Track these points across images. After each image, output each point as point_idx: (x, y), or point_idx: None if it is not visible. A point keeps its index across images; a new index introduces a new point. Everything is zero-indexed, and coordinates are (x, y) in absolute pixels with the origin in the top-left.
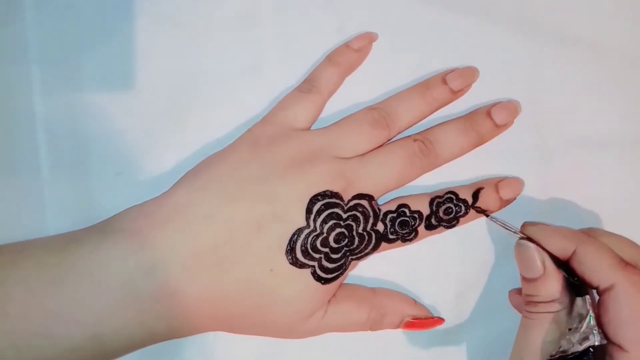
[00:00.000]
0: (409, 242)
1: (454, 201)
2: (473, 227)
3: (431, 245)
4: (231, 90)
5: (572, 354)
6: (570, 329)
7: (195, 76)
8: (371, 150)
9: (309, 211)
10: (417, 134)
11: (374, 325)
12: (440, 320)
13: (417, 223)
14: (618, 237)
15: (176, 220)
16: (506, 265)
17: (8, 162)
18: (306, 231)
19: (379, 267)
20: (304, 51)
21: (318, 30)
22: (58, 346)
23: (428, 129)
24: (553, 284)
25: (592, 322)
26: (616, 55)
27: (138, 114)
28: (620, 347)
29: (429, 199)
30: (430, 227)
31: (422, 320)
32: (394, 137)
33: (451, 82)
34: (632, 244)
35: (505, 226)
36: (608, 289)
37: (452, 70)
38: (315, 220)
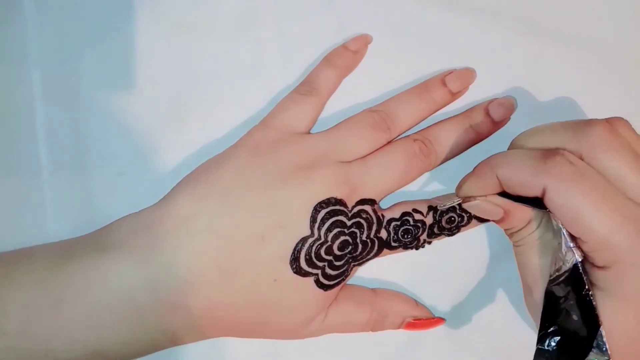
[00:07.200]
0: (410, 249)
1: (457, 211)
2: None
3: (431, 246)
4: (231, 90)
5: (565, 271)
6: (558, 243)
7: (196, 76)
8: (372, 153)
9: (313, 219)
10: (416, 133)
11: (375, 326)
12: (441, 320)
13: (420, 232)
14: (536, 129)
15: (177, 234)
16: (505, 264)
17: (8, 162)
18: (310, 240)
19: (379, 268)
20: (304, 51)
21: (318, 30)
22: None
23: (426, 128)
24: (518, 214)
25: (566, 235)
26: (616, 55)
27: (138, 114)
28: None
29: (433, 208)
30: (432, 235)
31: (423, 321)
32: (394, 139)
33: (450, 83)
34: (553, 126)
35: (445, 204)
36: (544, 195)
37: (451, 72)
38: (320, 229)
